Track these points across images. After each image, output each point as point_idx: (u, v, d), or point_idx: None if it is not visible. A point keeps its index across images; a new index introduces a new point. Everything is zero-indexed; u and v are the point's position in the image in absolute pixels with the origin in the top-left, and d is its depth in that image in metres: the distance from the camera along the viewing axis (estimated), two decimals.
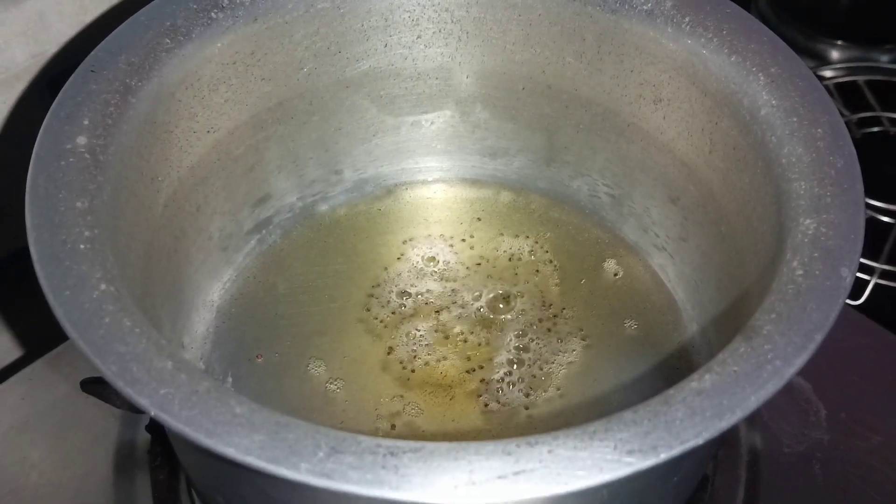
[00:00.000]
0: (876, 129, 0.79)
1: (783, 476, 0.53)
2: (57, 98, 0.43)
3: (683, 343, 0.54)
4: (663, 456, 0.32)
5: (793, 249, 0.39)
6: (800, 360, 0.35)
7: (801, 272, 0.38)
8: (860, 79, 0.81)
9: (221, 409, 0.33)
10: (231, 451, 0.32)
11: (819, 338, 0.35)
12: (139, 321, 0.36)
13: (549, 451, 0.32)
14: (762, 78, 0.45)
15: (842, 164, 0.41)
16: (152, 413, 0.33)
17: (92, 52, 0.45)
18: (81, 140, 0.42)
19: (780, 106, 0.44)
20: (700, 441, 0.33)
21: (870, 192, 0.69)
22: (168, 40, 0.47)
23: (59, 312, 0.36)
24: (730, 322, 0.48)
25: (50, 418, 0.56)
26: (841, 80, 0.81)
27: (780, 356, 0.35)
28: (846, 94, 0.80)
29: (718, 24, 0.48)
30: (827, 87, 0.81)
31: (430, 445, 0.32)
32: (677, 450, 0.32)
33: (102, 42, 0.46)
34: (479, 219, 0.61)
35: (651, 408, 0.34)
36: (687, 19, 0.48)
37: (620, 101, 0.53)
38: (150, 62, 0.46)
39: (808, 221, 0.39)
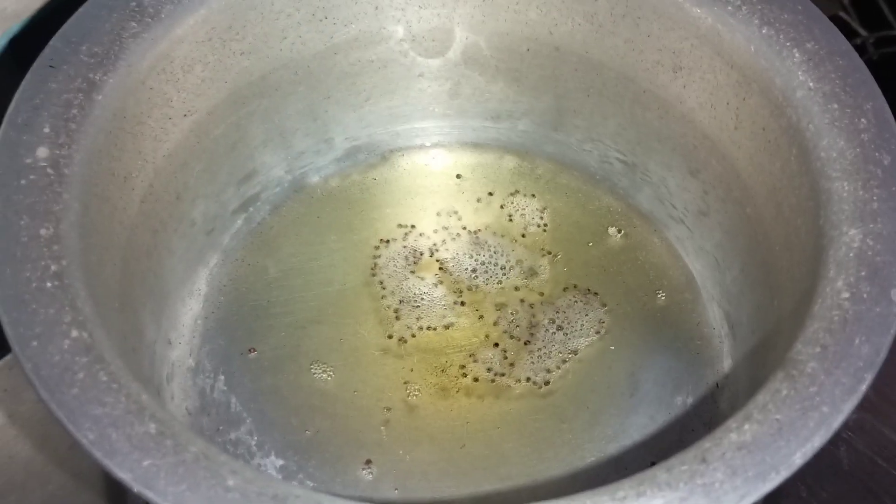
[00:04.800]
0: (894, 48, 0.74)
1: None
2: (13, 101, 0.38)
3: (703, 324, 0.51)
4: None
5: (836, 265, 0.35)
6: (848, 406, 0.32)
7: (846, 295, 0.34)
8: None
9: (212, 482, 0.30)
10: None
11: (869, 377, 0.32)
12: (117, 372, 0.33)
13: None
14: (797, 54, 0.41)
15: (889, 161, 0.37)
16: (135, 490, 0.30)
17: (49, 43, 0.40)
18: (42, 152, 0.37)
19: (818, 89, 0.40)
20: None
21: None
22: (134, 24, 0.42)
23: (27, 368, 0.32)
24: (758, 318, 0.45)
25: (37, 413, 0.53)
26: None
27: (827, 401, 0.32)
28: (862, 11, 0.75)
29: None
30: (842, 4, 0.76)
31: None
32: None
33: (61, 30, 0.41)
34: (482, 185, 0.56)
35: (687, 466, 0.30)
36: None
37: (636, 67, 0.49)
38: (116, 51, 0.41)
39: (852, 231, 0.36)
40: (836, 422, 0.31)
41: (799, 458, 0.31)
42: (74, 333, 0.33)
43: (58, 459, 0.51)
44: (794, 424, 0.31)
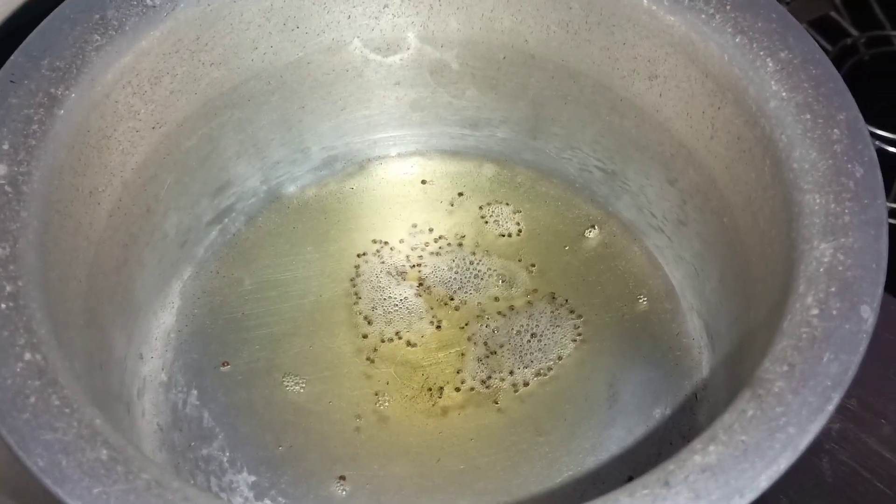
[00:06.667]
0: (885, 48, 0.73)
1: (789, 471, 0.50)
2: None
3: (683, 335, 0.50)
4: None
5: (807, 280, 0.34)
6: (815, 427, 0.31)
7: (816, 311, 0.33)
8: None
9: None
10: None
11: (837, 398, 0.31)
12: (71, 396, 0.32)
13: None
14: (771, 64, 0.40)
15: (861, 173, 0.37)
16: None
17: (11, 57, 0.40)
18: (0, 170, 0.37)
19: (791, 99, 0.39)
20: None
21: (877, 120, 0.65)
22: (98, 37, 0.41)
23: None
24: (736, 329, 0.44)
25: None
26: None
27: (794, 422, 0.31)
28: (854, 11, 0.75)
29: None
30: (833, 3, 0.75)
31: None
32: None
33: (22, 44, 0.40)
34: (460, 194, 0.56)
35: (649, 490, 0.30)
36: None
37: (612, 75, 0.48)
38: (79, 64, 0.40)
39: (823, 246, 0.35)
40: (803, 443, 0.31)
41: (764, 481, 0.30)
42: (28, 356, 0.33)
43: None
44: (760, 446, 0.31)
